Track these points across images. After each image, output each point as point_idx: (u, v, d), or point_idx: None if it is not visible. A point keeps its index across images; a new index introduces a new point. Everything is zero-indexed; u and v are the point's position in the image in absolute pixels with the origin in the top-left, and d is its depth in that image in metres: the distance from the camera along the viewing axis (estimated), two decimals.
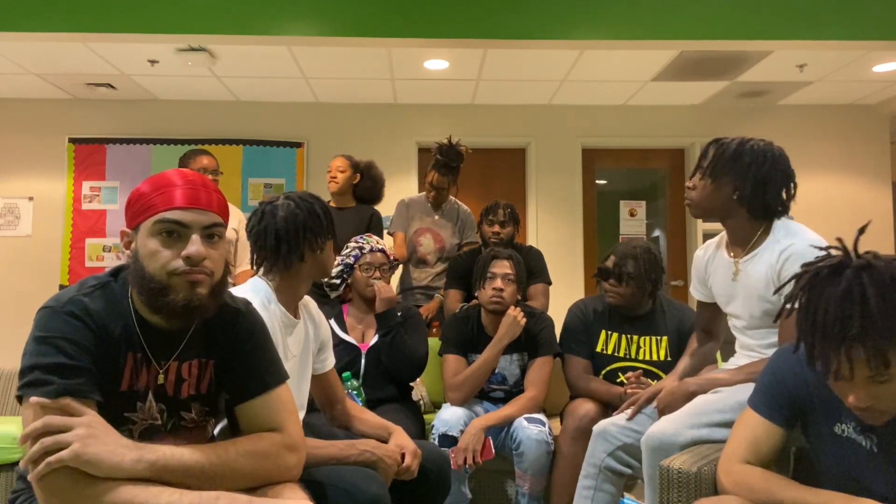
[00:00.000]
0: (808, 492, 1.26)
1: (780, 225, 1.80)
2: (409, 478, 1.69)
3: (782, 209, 1.82)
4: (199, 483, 1.11)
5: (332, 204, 3.56)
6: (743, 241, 1.84)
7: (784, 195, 1.80)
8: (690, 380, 1.92)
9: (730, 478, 1.37)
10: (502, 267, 2.60)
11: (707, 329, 2.14)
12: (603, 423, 2.13)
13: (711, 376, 1.89)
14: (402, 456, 1.70)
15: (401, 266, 3.55)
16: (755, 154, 1.78)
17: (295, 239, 1.72)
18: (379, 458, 1.63)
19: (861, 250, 1.23)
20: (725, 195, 1.80)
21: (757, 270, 1.78)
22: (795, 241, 1.71)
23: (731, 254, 1.89)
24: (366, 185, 3.60)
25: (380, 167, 3.74)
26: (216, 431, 1.44)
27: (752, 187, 1.77)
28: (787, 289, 1.31)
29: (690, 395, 1.85)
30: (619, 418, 2.12)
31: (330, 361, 1.96)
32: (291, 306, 1.77)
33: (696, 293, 2.10)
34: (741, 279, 1.83)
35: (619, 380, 2.54)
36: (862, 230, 1.31)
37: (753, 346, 1.87)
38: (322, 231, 1.76)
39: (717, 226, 1.90)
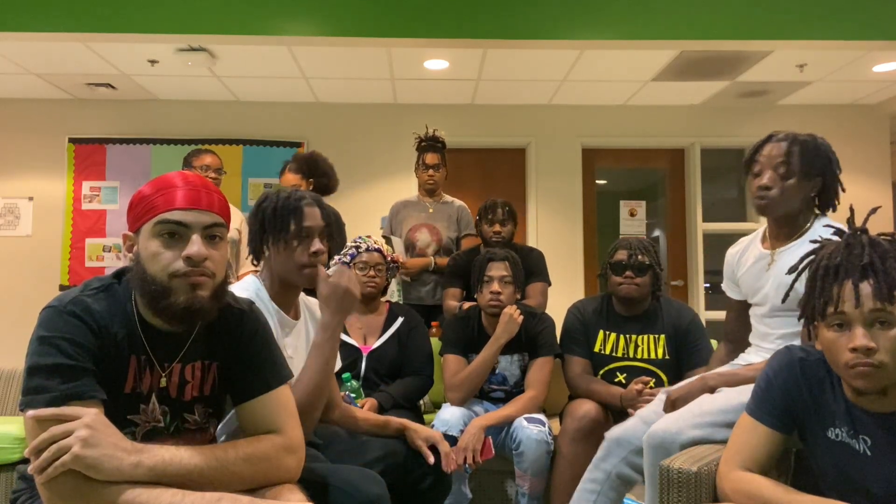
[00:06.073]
0: (805, 499, 1.26)
1: (823, 221, 1.85)
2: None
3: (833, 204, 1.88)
4: (198, 486, 1.11)
5: None
6: (788, 235, 1.88)
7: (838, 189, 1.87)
8: (709, 374, 1.92)
9: (728, 484, 1.37)
10: (498, 269, 2.61)
11: (734, 337, 2.11)
12: (617, 430, 2.07)
13: (732, 371, 1.90)
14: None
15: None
16: (828, 149, 1.84)
17: (260, 232, 1.72)
18: (408, 428, 1.79)
19: None
20: (806, 192, 1.83)
21: (791, 259, 1.79)
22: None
23: (769, 245, 1.92)
24: (321, 182, 3.24)
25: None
26: (217, 430, 1.43)
27: (829, 182, 1.84)
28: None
29: (709, 391, 1.85)
30: (632, 423, 2.07)
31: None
32: (287, 305, 1.76)
33: (728, 291, 2.13)
34: (773, 268, 1.86)
35: (616, 379, 2.55)
36: (869, 215, 1.43)
37: (769, 335, 1.89)
38: (280, 228, 1.68)
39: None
